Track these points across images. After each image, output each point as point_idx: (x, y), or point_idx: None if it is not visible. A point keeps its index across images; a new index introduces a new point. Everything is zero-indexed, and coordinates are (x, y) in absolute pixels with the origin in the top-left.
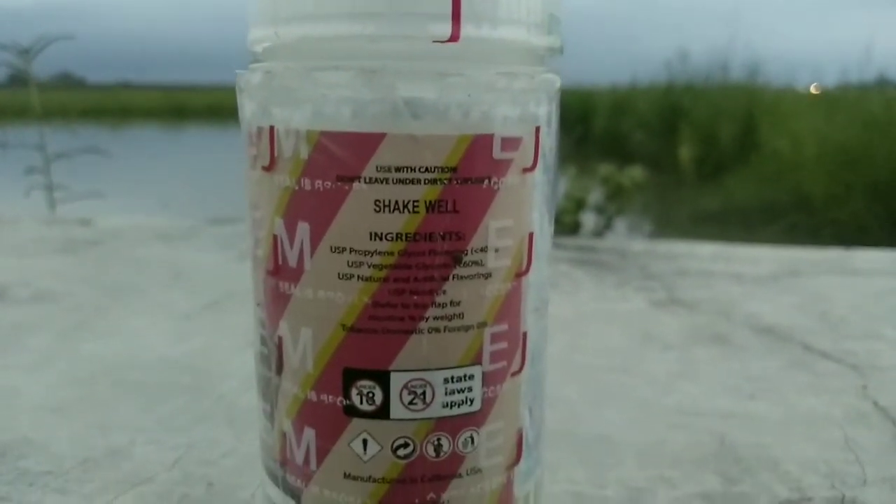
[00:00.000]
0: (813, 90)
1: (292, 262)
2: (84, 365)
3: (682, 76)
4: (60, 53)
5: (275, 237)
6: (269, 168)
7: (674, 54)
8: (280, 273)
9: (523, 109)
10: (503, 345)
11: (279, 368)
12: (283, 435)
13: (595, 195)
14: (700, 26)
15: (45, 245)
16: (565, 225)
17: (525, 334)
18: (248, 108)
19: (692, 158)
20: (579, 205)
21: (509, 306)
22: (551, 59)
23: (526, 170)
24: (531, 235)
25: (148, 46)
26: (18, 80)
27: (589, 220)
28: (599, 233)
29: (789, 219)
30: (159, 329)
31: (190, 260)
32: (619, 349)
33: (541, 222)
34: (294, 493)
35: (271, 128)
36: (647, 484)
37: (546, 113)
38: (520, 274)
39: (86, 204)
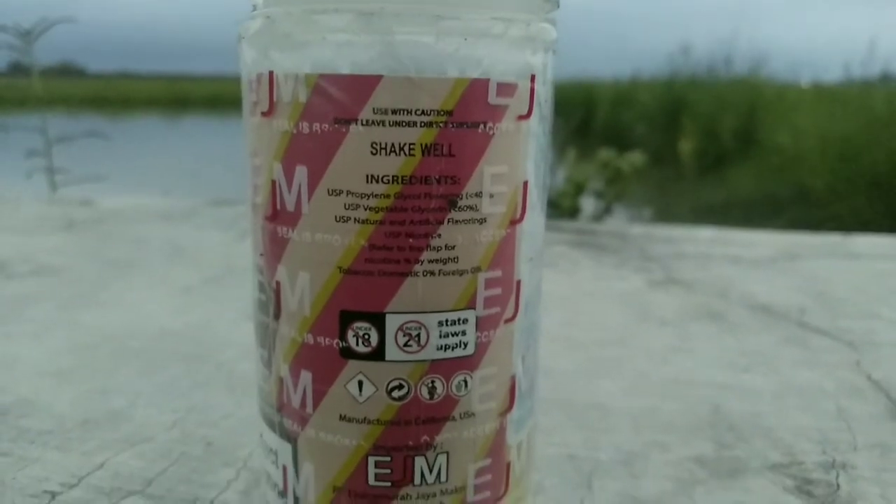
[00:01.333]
0: (807, 86)
1: (290, 206)
2: (85, 334)
3: (684, 70)
4: (61, 42)
5: (273, 182)
6: (268, 113)
7: (677, 48)
8: (278, 218)
9: (519, 56)
10: (497, 291)
11: (277, 313)
12: (280, 380)
13: (595, 181)
14: (704, 20)
15: (45, 223)
16: (564, 209)
17: (519, 282)
18: (248, 55)
19: (694, 152)
20: (579, 189)
21: (504, 253)
22: (548, 10)
23: (521, 117)
24: (526, 184)
25: (149, 36)
26: (20, 68)
27: (589, 205)
28: (599, 217)
29: (790, 212)
30: (160, 301)
31: (190, 238)
32: (616, 325)
33: (536, 172)
34: (290, 437)
35: (271, 73)
36: (640, 448)
37: (542, 62)
38: (514, 221)
39: (86, 188)
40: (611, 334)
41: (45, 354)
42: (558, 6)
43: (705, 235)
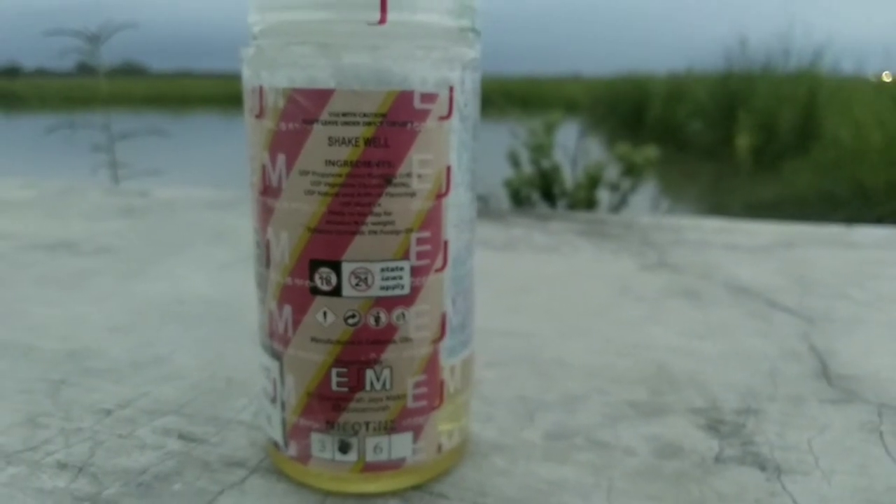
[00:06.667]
0: (884, 78)
1: (274, 183)
2: (137, 300)
3: (741, 63)
4: (123, 42)
5: (263, 166)
6: (259, 116)
7: (733, 40)
8: (267, 192)
9: (438, 73)
10: (427, 247)
11: (267, 263)
12: (271, 313)
13: (611, 174)
14: (761, 10)
15: (108, 211)
16: (580, 200)
17: (447, 242)
18: (246, 73)
19: (750, 147)
20: (594, 181)
21: (432, 219)
22: (468, 37)
23: (442, 118)
24: (449, 168)
25: (208, 33)
26: (86, 69)
27: (606, 197)
28: (616, 209)
29: (848, 209)
30: (201, 276)
31: (232, 223)
32: (597, 300)
33: (459, 159)
34: (278, 356)
35: (260, 87)
36: (583, 392)
37: (459, 76)
38: (440, 195)
39: (146, 181)
40: (590, 307)
41: (105, 315)
42: (478, 33)
43: (711, 225)
